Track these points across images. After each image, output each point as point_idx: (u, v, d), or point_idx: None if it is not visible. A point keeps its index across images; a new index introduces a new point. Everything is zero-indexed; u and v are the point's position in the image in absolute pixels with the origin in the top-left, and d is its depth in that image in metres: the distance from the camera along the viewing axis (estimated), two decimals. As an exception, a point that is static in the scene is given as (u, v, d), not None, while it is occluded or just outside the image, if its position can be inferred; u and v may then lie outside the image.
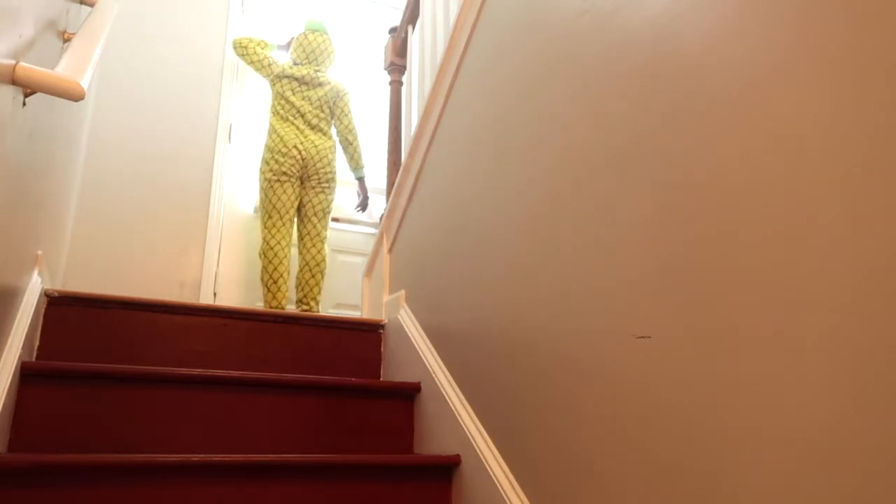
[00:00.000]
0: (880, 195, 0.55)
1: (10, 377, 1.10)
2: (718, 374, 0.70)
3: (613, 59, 0.96)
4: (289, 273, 2.68)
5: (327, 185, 2.80)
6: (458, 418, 1.32)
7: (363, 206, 2.96)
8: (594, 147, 0.98)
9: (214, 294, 2.81)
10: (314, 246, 2.75)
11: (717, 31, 0.76)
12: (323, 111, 2.86)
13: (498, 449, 1.18)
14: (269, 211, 2.68)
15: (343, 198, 3.18)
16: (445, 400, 1.39)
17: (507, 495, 1.09)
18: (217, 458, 1.13)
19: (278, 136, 2.72)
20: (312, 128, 2.81)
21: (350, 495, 1.23)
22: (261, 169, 2.73)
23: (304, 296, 2.70)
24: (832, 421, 0.57)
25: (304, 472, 1.20)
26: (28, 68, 0.92)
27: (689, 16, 0.80)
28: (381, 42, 3.49)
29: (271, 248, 2.64)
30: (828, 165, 0.60)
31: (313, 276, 2.72)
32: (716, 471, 0.69)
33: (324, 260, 2.75)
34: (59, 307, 1.49)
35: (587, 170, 1.00)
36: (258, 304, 2.86)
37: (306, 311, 2.70)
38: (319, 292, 2.73)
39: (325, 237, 2.80)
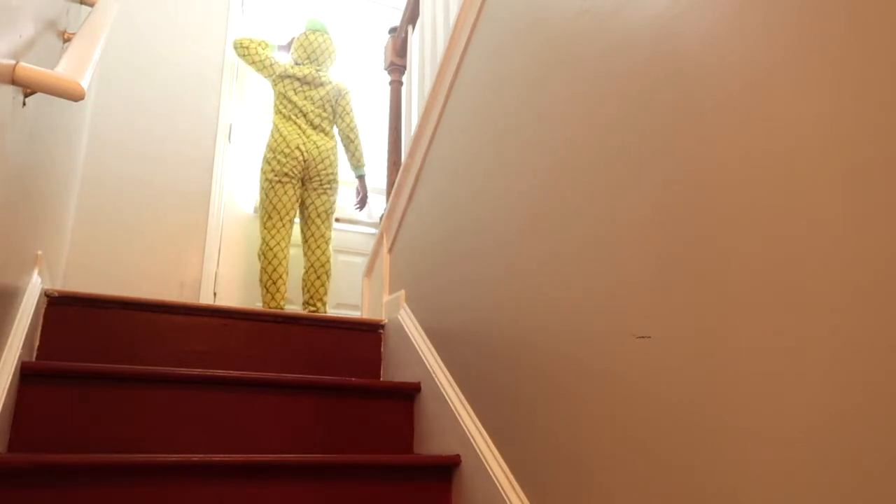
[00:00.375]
0: (880, 195, 0.55)
1: (10, 377, 1.10)
2: (718, 374, 0.70)
3: (613, 59, 0.96)
4: (288, 274, 2.68)
5: (329, 186, 2.80)
6: (458, 418, 1.32)
7: (362, 204, 2.96)
8: (594, 147, 0.98)
9: (214, 294, 2.81)
10: (318, 247, 2.75)
11: (716, 30, 0.76)
12: (325, 110, 2.86)
13: (498, 449, 1.18)
14: (269, 211, 2.68)
15: (343, 197, 3.18)
16: (445, 400, 1.39)
17: (506, 495, 1.09)
18: (217, 458, 1.13)
19: (281, 135, 2.72)
20: (315, 127, 2.81)
21: (350, 495, 1.23)
22: (262, 169, 2.73)
23: (311, 297, 2.70)
24: (832, 421, 0.57)
25: (304, 472, 1.20)
26: (28, 68, 0.92)
27: (689, 15, 0.81)
28: (381, 42, 3.49)
29: (270, 249, 2.64)
30: (828, 165, 0.60)
31: (319, 278, 2.72)
32: (716, 470, 0.69)
33: (329, 261, 2.76)
34: (59, 307, 1.49)
35: (587, 170, 1.00)
36: (258, 305, 2.85)
37: (314, 312, 2.70)
38: (326, 293, 2.73)
39: (330, 238, 2.80)
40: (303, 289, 2.73)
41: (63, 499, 1.03)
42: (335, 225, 3.06)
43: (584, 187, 1.00)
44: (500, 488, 1.12)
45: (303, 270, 2.77)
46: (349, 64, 3.39)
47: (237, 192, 3.01)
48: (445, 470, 1.32)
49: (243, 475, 1.16)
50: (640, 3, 0.90)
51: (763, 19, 0.69)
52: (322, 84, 2.88)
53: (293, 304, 2.90)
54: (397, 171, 2.13)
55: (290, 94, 2.80)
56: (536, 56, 1.21)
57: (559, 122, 1.10)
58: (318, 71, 2.89)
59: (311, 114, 2.80)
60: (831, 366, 0.57)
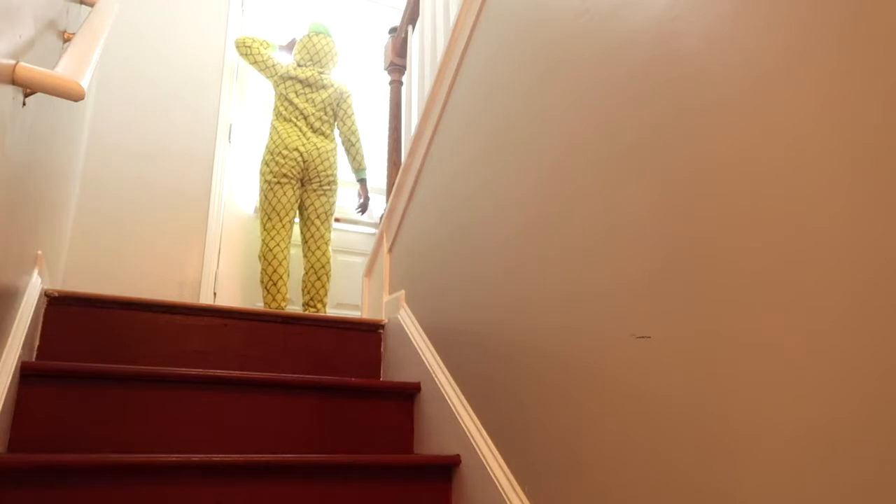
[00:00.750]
0: (880, 195, 0.55)
1: (10, 377, 1.10)
2: (718, 374, 0.70)
3: (613, 60, 0.96)
4: (288, 275, 2.68)
5: (328, 187, 2.80)
6: (458, 418, 1.32)
7: (364, 207, 2.96)
8: (593, 148, 0.98)
9: (214, 294, 2.81)
10: (318, 248, 2.75)
11: (716, 31, 0.76)
12: (326, 114, 2.86)
13: (498, 449, 1.18)
14: (268, 213, 2.68)
15: (343, 198, 3.18)
16: (445, 400, 1.39)
17: (506, 495, 1.09)
18: (217, 457, 1.13)
19: (279, 137, 2.72)
20: (314, 130, 2.81)
21: (350, 495, 1.23)
22: (261, 171, 2.73)
23: (311, 298, 2.70)
24: (833, 421, 0.57)
25: (304, 472, 1.20)
26: (28, 68, 0.92)
27: (688, 16, 0.81)
28: (381, 42, 3.49)
29: (270, 251, 2.64)
30: (828, 166, 0.60)
31: (319, 279, 2.72)
32: (716, 471, 0.69)
33: (329, 262, 2.76)
34: (59, 307, 1.49)
35: (587, 169, 1.00)
36: (258, 304, 2.85)
37: (314, 313, 2.70)
38: (326, 294, 2.73)
39: (329, 239, 2.80)
40: (303, 290, 2.73)
41: (63, 499, 1.03)
42: (335, 225, 3.07)
43: (584, 187, 1.00)
44: (499, 488, 1.12)
45: (303, 272, 2.77)
46: (350, 64, 3.39)
47: (237, 192, 3.01)
48: (445, 470, 1.32)
49: (244, 475, 1.16)
50: (640, 3, 0.90)
51: (763, 19, 0.69)
52: (324, 87, 2.88)
53: (294, 305, 2.90)
54: (397, 171, 2.13)
55: (292, 96, 2.80)
56: (536, 56, 1.21)
57: (559, 122, 1.10)
58: (320, 73, 2.89)
59: (311, 117, 2.80)
60: (832, 366, 0.57)
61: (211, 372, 1.36)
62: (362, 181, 2.96)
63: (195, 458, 1.12)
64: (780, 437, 0.62)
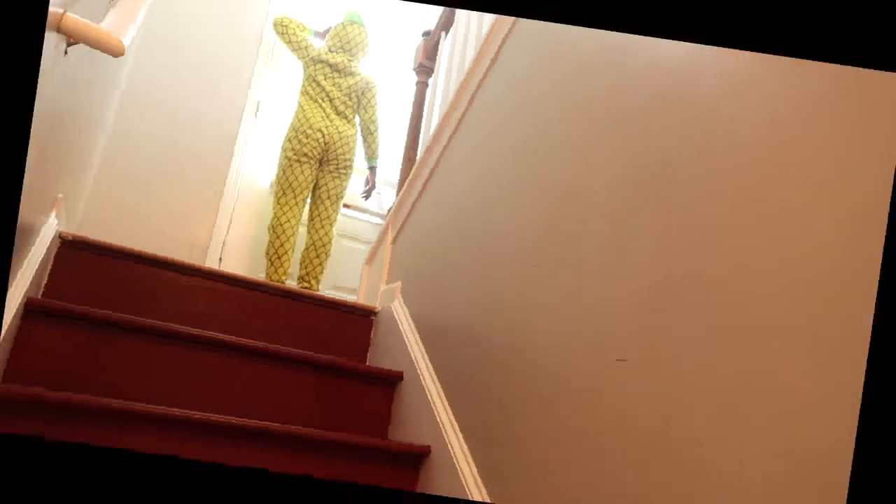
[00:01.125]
0: (873, 252, 0.55)
1: (14, 310, 1.14)
2: (687, 399, 0.73)
3: (631, 93, 0.99)
4: (294, 250, 2.74)
5: (345, 171, 2.86)
6: (434, 411, 1.35)
7: (369, 193, 3.03)
8: (604, 175, 1.01)
9: (220, 259, 2.88)
10: (322, 227, 2.81)
11: (733, 74, 0.79)
12: (350, 99, 2.91)
13: (469, 447, 1.21)
14: (284, 188, 2.74)
15: (357, 185, 3.22)
16: (424, 392, 1.43)
17: (469, 491, 1.13)
18: (216, 418, 1.18)
19: (305, 116, 2.78)
20: (339, 114, 2.86)
21: (325, 466, 1.27)
22: (283, 147, 2.79)
23: (307, 273, 2.76)
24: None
25: (285, 441, 1.24)
26: (74, 19, 0.94)
27: (706, 58, 0.84)
28: (410, 43, 3.53)
29: (280, 224, 2.70)
30: (838, 211, 0.60)
31: (318, 256, 2.78)
32: (687, 494, 0.70)
33: (330, 241, 2.81)
34: (71, 250, 1.52)
35: (599, 195, 1.01)
36: (260, 275, 2.91)
37: (307, 288, 2.75)
38: (322, 272, 2.79)
39: (335, 220, 2.86)
40: (301, 264, 2.79)
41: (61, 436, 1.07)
42: (345, 211, 3.12)
43: (595, 209, 1.03)
44: (464, 483, 1.15)
45: (303, 247, 2.83)
46: (378, 59, 3.43)
47: (256, 166, 3.08)
48: (415, 458, 1.36)
49: (239, 438, 1.21)
50: (659, 42, 0.93)
51: (779, 65, 0.70)
52: (352, 74, 2.93)
53: (294, 280, 2.95)
54: (411, 166, 2.17)
55: (320, 78, 2.86)
56: (557, 80, 1.24)
57: (572, 152, 1.13)
58: (349, 61, 2.94)
59: (336, 100, 2.86)
60: (792, 406, 0.60)
61: (210, 334, 1.40)
62: (372, 169, 3.03)
63: (196, 415, 1.17)
64: (759, 455, 0.64)
